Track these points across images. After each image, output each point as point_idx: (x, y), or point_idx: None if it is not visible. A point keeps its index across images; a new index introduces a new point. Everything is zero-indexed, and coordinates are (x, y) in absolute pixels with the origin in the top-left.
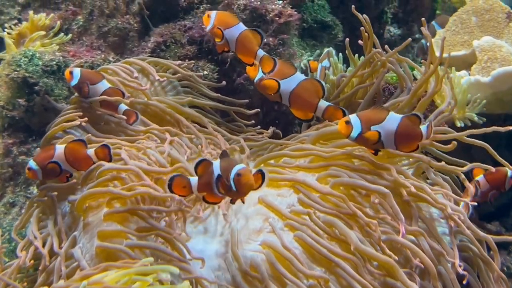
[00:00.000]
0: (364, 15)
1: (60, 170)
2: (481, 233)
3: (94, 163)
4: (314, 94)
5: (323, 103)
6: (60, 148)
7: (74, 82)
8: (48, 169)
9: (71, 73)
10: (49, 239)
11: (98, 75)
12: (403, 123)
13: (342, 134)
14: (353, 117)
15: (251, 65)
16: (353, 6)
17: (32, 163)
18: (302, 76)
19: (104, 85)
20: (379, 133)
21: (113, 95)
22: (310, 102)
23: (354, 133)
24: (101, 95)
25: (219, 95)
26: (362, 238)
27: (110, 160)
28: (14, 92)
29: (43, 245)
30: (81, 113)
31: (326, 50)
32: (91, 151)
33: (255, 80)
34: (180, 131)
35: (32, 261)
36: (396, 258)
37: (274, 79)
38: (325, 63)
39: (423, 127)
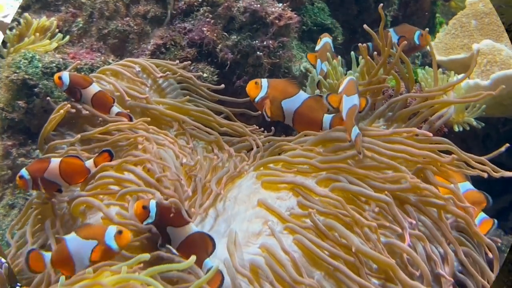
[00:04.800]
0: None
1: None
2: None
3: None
4: (319, 111)
5: (327, 118)
6: (55, 161)
7: (64, 87)
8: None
9: (60, 78)
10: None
11: (87, 78)
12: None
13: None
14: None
15: None
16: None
17: (24, 172)
18: (306, 95)
19: (95, 88)
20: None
21: (103, 98)
22: (316, 119)
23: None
24: (91, 98)
25: (219, 96)
26: (361, 242)
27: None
28: (13, 94)
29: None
30: (69, 106)
31: (323, 40)
32: (89, 162)
33: (255, 100)
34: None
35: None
36: (394, 261)
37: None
38: (324, 66)
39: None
